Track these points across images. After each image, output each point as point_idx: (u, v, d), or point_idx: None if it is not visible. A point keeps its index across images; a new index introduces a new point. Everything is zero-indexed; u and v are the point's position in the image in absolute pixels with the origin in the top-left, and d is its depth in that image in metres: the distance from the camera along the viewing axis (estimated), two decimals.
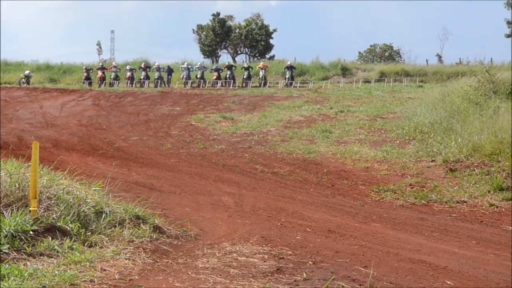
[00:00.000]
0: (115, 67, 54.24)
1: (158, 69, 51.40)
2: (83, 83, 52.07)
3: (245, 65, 51.36)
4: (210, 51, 78.15)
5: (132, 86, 50.34)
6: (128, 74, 51.47)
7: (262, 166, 19.20)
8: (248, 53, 78.37)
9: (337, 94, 40.08)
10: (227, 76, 49.66)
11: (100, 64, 56.28)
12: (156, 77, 50.82)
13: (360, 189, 16.11)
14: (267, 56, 75.99)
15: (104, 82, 51.65)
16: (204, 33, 78.69)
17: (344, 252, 9.60)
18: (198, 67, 51.39)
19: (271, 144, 23.08)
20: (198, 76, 49.88)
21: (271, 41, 78.91)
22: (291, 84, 47.57)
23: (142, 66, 52.36)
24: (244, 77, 49.41)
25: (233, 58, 76.84)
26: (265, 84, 48.14)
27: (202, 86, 48.28)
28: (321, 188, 16.30)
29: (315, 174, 17.96)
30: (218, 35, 77.25)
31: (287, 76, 48.81)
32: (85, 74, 53.09)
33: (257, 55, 77.05)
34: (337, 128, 25.81)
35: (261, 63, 52.31)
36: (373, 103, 34.14)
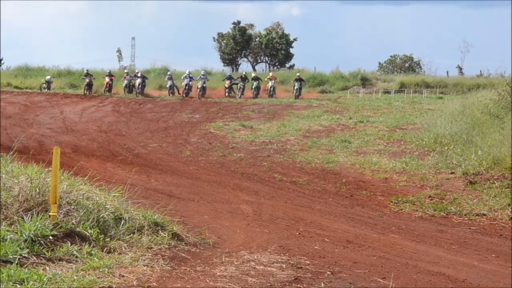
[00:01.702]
0: (127, 74, 52.64)
1: (140, 76, 50.11)
2: (85, 89, 50.10)
3: (254, 75, 50.77)
4: (230, 60, 78.27)
5: (129, 93, 49.39)
6: (126, 82, 50.53)
7: (280, 175, 19.17)
8: (268, 62, 78.44)
9: (357, 104, 40.08)
10: (239, 86, 48.82)
11: (108, 71, 54.37)
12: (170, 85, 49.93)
13: (378, 199, 16.06)
14: (287, 65, 76.05)
15: (110, 89, 50.35)
16: (224, 41, 78.83)
17: (362, 263, 9.57)
18: (200, 77, 48.53)
19: (290, 153, 23.05)
20: (199, 86, 47.44)
21: (291, 50, 78.98)
22: (298, 96, 46.63)
23: (138, 74, 50.86)
24: (253, 86, 48.39)
25: (253, 67, 77.01)
26: (271, 95, 47.77)
27: (201, 96, 46.66)
28: (340, 198, 16.26)
29: (333, 184, 17.91)
30: (238, 44, 77.37)
31: (295, 88, 47.51)
32: (87, 80, 50.76)
33: (277, 64, 77.13)
34: (356, 139, 25.74)
35: (270, 74, 52.37)
36: (392, 113, 34.07)
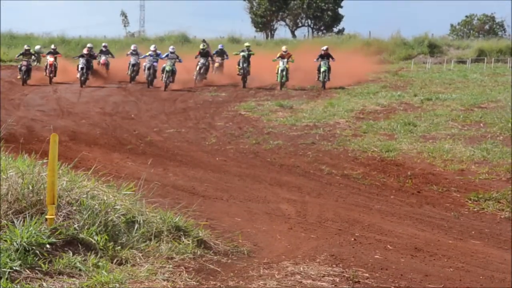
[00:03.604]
0: (90, 48, 43.71)
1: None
2: (22, 77, 41.09)
3: (245, 52, 41.11)
4: (263, 23, 78.20)
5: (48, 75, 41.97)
6: (50, 60, 42.52)
7: (329, 166, 19.21)
8: (311, 26, 78.29)
9: (423, 78, 39.96)
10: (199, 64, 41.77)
11: (53, 46, 46.01)
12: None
13: (453, 197, 16.04)
14: (335, 29, 75.86)
15: (55, 73, 42.35)
16: (256, 0, 78.75)
17: (435, 276, 9.58)
18: (168, 56, 40.33)
19: (340, 140, 23.07)
20: (166, 69, 39.42)
21: (340, 10, 78.75)
22: (325, 84, 38.88)
23: (85, 51, 42.25)
24: (243, 66, 40.47)
25: (293, 32, 76.92)
26: (283, 83, 39.27)
27: (166, 85, 39.09)
28: (404, 195, 16.26)
29: (396, 178, 17.92)
30: (274, 3, 77.24)
31: (322, 70, 39.14)
32: (24, 62, 41.53)
33: (322, 28, 76.97)
34: (423, 121, 25.68)
35: (283, 48, 41.57)
36: (469, 89, 33.92)
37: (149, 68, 40.53)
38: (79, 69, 40.34)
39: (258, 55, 41.72)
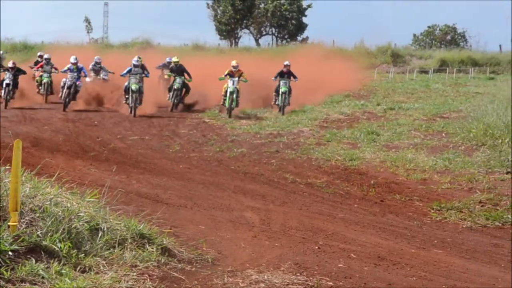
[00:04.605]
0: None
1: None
2: None
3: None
4: (228, 31, 78.29)
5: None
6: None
7: (293, 175, 19.25)
8: (275, 35, 78.51)
9: (386, 87, 40.20)
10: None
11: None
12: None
13: (416, 206, 16.12)
14: (299, 38, 76.13)
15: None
16: (221, 8, 78.84)
17: (398, 285, 9.63)
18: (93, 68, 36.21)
19: (303, 148, 23.11)
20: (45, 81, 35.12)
21: (304, 19, 79.07)
22: (283, 108, 31.61)
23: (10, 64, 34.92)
24: (174, 87, 32.93)
25: (257, 40, 77.04)
26: (231, 111, 30.63)
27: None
28: (368, 204, 16.33)
29: (359, 187, 17.99)
30: (238, 11, 77.38)
31: (281, 91, 31.89)
32: None
33: (286, 36, 77.21)
34: (386, 130, 25.80)
35: (233, 63, 31.73)
36: (431, 98, 34.17)
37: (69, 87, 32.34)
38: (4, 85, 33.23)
39: (219, 63, 37.41)
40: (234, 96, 30.09)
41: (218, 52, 54.89)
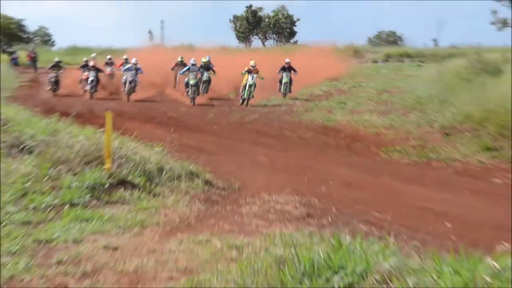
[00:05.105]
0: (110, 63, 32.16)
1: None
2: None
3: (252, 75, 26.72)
4: (244, 37, 77.95)
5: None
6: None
7: (289, 131, 19.18)
8: (275, 39, 78.08)
9: (351, 73, 39.77)
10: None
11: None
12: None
13: (371, 150, 16.09)
14: (292, 41, 75.69)
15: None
16: (238, 22, 78.45)
17: (361, 201, 9.70)
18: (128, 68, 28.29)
19: (296, 114, 23.02)
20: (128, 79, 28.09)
21: (295, 28, 78.66)
22: (286, 94, 27.93)
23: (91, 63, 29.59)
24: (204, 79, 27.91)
25: (263, 43, 76.53)
26: (247, 100, 26.40)
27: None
28: (340, 149, 16.32)
29: (334, 139, 17.91)
30: (250, 24, 77.01)
31: (284, 81, 28.06)
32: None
33: (283, 40, 76.81)
34: (351, 101, 25.61)
35: (251, 62, 27.19)
36: (380, 80, 33.79)
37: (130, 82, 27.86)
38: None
39: (237, 60, 33.09)
40: (252, 88, 26.36)
41: (237, 51, 54.38)
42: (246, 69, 26.60)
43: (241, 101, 26.26)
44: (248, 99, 26.25)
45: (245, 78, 26.41)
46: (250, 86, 26.26)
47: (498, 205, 9.90)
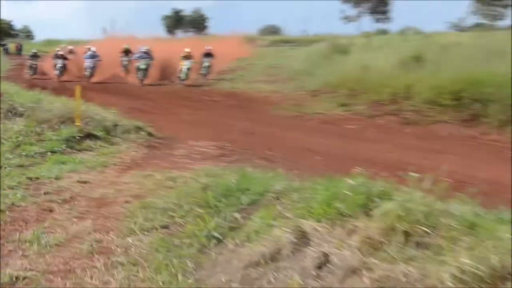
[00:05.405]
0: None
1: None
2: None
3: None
4: (170, 31, 75.87)
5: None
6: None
7: (206, 96, 19.01)
8: (194, 32, 76.43)
9: (252, 53, 39.37)
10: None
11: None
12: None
13: (263, 108, 16.09)
14: (205, 33, 74.39)
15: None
16: (167, 20, 76.21)
17: (257, 143, 9.87)
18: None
19: (210, 84, 22.79)
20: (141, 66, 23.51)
21: (206, 24, 77.31)
22: (206, 76, 23.86)
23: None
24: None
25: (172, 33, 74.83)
26: (183, 80, 22.93)
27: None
28: (241, 108, 16.24)
29: (236, 101, 17.82)
30: (175, 21, 75.15)
31: (204, 66, 23.74)
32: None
33: (199, 32, 75.34)
34: (248, 74, 25.44)
35: (186, 49, 23.69)
36: (268, 59, 33.61)
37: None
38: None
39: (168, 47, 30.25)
40: (188, 71, 22.80)
41: (167, 41, 52.28)
42: (183, 55, 23.45)
43: (178, 81, 23.42)
44: (185, 80, 23.19)
45: (182, 63, 23.45)
46: (188, 69, 23.00)
47: (353, 143, 10.31)
